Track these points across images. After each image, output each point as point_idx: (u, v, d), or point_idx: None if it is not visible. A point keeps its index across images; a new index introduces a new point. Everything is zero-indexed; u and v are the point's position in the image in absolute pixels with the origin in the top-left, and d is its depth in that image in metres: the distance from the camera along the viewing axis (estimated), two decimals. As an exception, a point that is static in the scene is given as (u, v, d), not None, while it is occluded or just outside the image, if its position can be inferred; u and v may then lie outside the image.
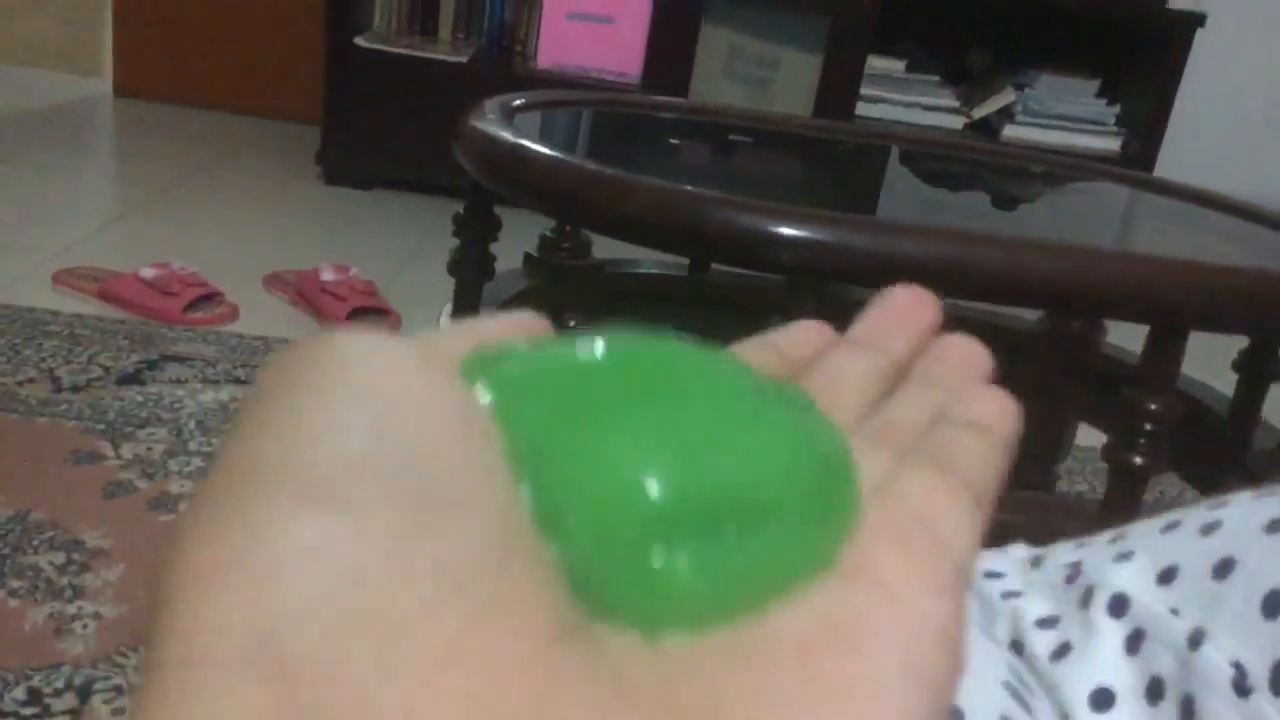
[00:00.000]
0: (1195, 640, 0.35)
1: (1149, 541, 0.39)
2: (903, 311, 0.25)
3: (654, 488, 0.15)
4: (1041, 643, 0.40)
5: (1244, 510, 0.37)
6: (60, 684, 0.92)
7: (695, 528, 0.15)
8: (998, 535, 0.25)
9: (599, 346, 0.18)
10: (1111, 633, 0.38)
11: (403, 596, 0.12)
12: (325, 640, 0.12)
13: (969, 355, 0.24)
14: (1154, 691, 0.37)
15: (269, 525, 0.13)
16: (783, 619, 0.15)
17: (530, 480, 0.15)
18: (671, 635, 0.15)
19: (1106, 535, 0.42)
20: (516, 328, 0.21)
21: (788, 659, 0.14)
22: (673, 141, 1.33)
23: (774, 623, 0.15)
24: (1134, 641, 0.38)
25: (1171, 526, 0.39)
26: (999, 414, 0.21)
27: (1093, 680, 0.38)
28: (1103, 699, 0.37)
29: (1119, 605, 0.39)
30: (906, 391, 0.23)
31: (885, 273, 0.73)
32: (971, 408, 0.21)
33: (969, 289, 0.75)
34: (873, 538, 0.16)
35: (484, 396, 0.17)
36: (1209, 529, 0.37)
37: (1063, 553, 0.44)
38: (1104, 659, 0.38)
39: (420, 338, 0.18)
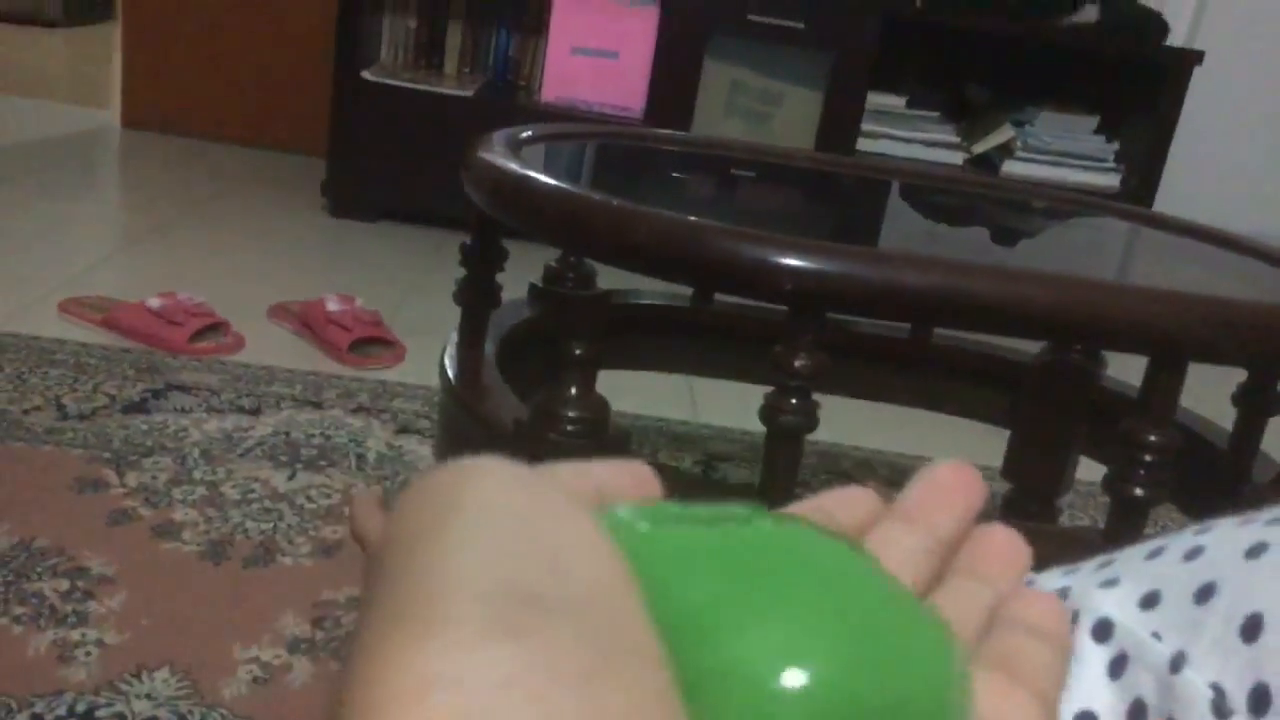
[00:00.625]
0: (1176, 664, 0.36)
1: (1133, 566, 0.40)
2: (949, 490, 0.25)
3: (801, 683, 0.15)
4: None
5: (1227, 535, 0.38)
6: (62, 711, 0.92)
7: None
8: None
9: (726, 520, 0.18)
10: (1095, 657, 0.39)
11: None
12: None
13: (1011, 549, 0.25)
14: (1136, 714, 0.37)
15: (466, 654, 0.13)
16: None
17: (674, 646, 0.15)
18: None
19: (1095, 561, 0.42)
20: (630, 479, 0.21)
21: None
22: (675, 175, 1.35)
23: None
24: (1117, 665, 0.38)
25: (1156, 553, 0.40)
26: (1056, 619, 0.22)
27: (1076, 704, 0.38)
28: None
29: (1103, 630, 0.39)
30: (955, 585, 0.24)
31: (888, 304, 0.74)
32: (1029, 612, 0.22)
33: (969, 320, 0.76)
34: None
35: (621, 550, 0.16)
36: (1192, 554, 0.38)
37: (1050, 579, 0.45)
38: (1088, 683, 0.39)
39: (546, 471, 0.18)
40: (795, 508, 0.25)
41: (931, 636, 0.18)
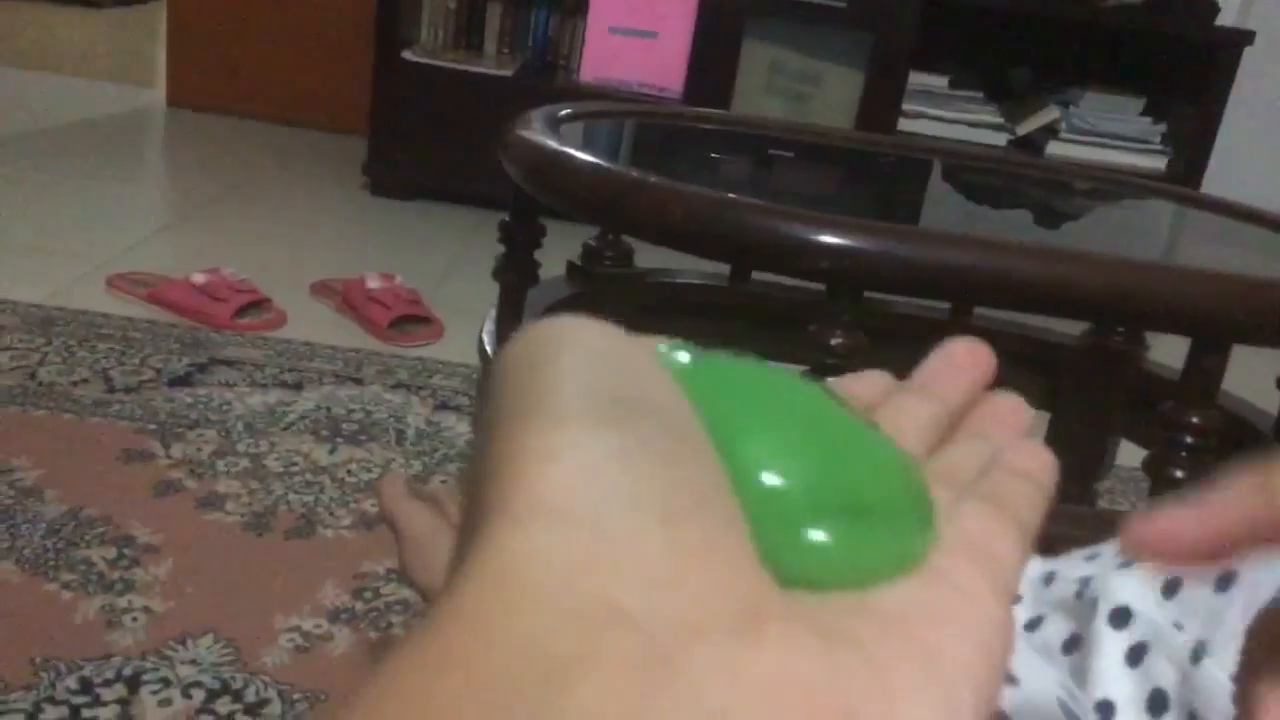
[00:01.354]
0: (1197, 654, 0.36)
1: None
2: (960, 363, 0.28)
3: (807, 479, 0.20)
4: (1067, 665, 0.40)
5: None
6: (110, 675, 0.94)
7: (834, 513, 0.20)
8: (1042, 547, 0.28)
9: (752, 366, 0.23)
10: (1112, 644, 0.39)
11: (677, 497, 0.18)
12: (630, 513, 0.17)
13: (1014, 412, 0.27)
14: (1156, 704, 0.37)
15: (584, 432, 0.18)
16: (888, 594, 0.19)
17: (718, 448, 0.20)
18: (808, 589, 0.19)
19: (1115, 544, 0.42)
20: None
21: (893, 623, 0.19)
22: (714, 155, 1.35)
23: (881, 596, 0.19)
24: (1136, 654, 0.38)
25: None
26: (1042, 466, 0.24)
27: (1096, 692, 0.38)
28: (1105, 710, 0.38)
29: (1121, 617, 0.39)
30: (961, 441, 0.27)
31: (925, 282, 0.73)
32: (1019, 459, 0.24)
33: (1008, 300, 0.75)
34: (947, 550, 0.21)
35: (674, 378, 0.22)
36: None
37: (1071, 567, 0.45)
38: (1105, 671, 0.39)
39: (628, 334, 0.23)
40: (824, 383, 0.28)
41: (892, 458, 0.23)
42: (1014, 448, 0.25)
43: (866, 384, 0.28)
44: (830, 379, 0.28)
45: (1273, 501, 0.26)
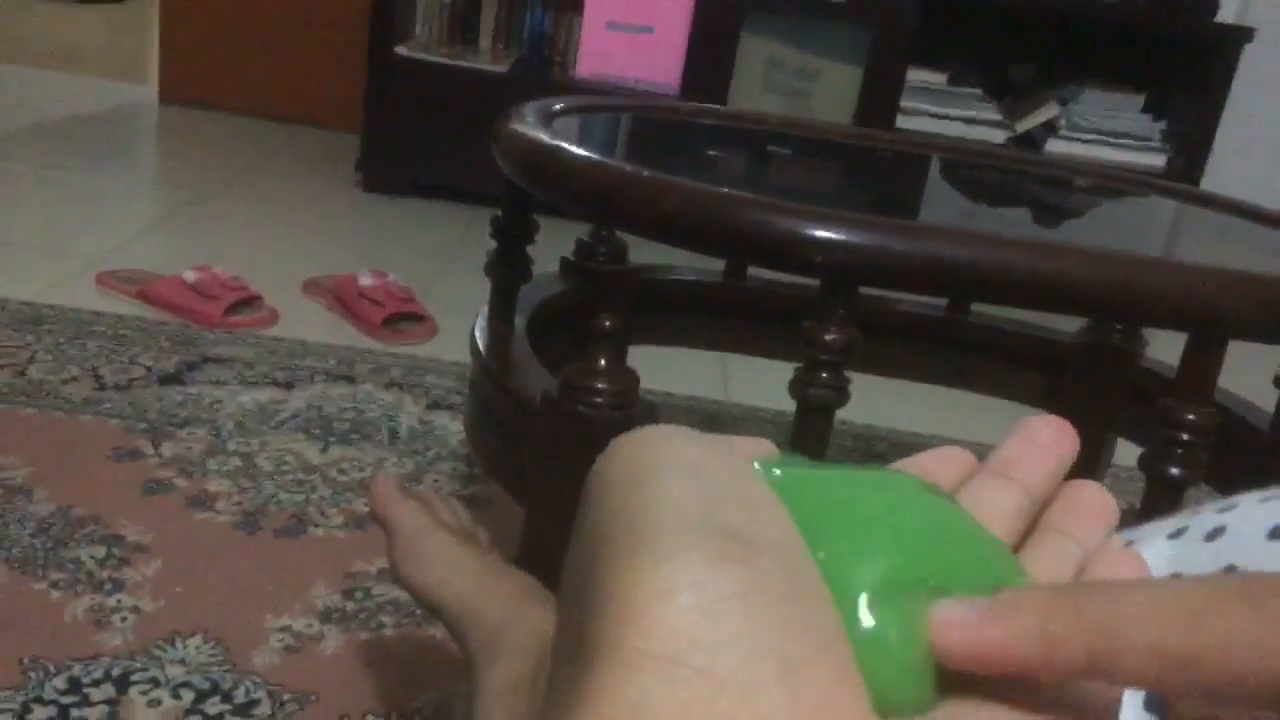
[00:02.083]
0: None
1: (1155, 545, 0.39)
2: (1044, 444, 0.27)
3: (904, 571, 0.20)
4: None
5: (1249, 514, 0.37)
6: (99, 674, 0.93)
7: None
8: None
9: (846, 474, 0.23)
10: None
11: (795, 644, 0.17)
12: (748, 662, 0.17)
13: (1101, 506, 0.26)
14: (1153, 702, 0.36)
15: (701, 570, 0.18)
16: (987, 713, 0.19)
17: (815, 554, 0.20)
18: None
19: (1118, 539, 0.41)
20: (755, 447, 0.25)
21: None
22: (710, 153, 1.34)
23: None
24: None
25: (1179, 532, 0.39)
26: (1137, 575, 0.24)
27: None
28: None
29: None
30: (1047, 540, 0.26)
31: (921, 277, 0.72)
32: (1116, 570, 0.24)
33: (1007, 294, 0.74)
34: None
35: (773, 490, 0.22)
36: (1214, 534, 0.37)
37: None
38: None
39: (715, 437, 0.22)
40: (895, 465, 0.27)
41: (1006, 568, 0.23)
42: (1106, 559, 0.25)
43: (946, 463, 0.27)
44: (909, 460, 0.27)
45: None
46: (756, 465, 0.22)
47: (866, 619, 0.19)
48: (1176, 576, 0.37)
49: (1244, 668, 0.17)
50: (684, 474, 0.20)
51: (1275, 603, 0.17)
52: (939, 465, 0.27)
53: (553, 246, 1.24)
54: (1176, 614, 0.18)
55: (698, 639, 0.17)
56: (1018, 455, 0.26)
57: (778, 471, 0.22)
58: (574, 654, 0.18)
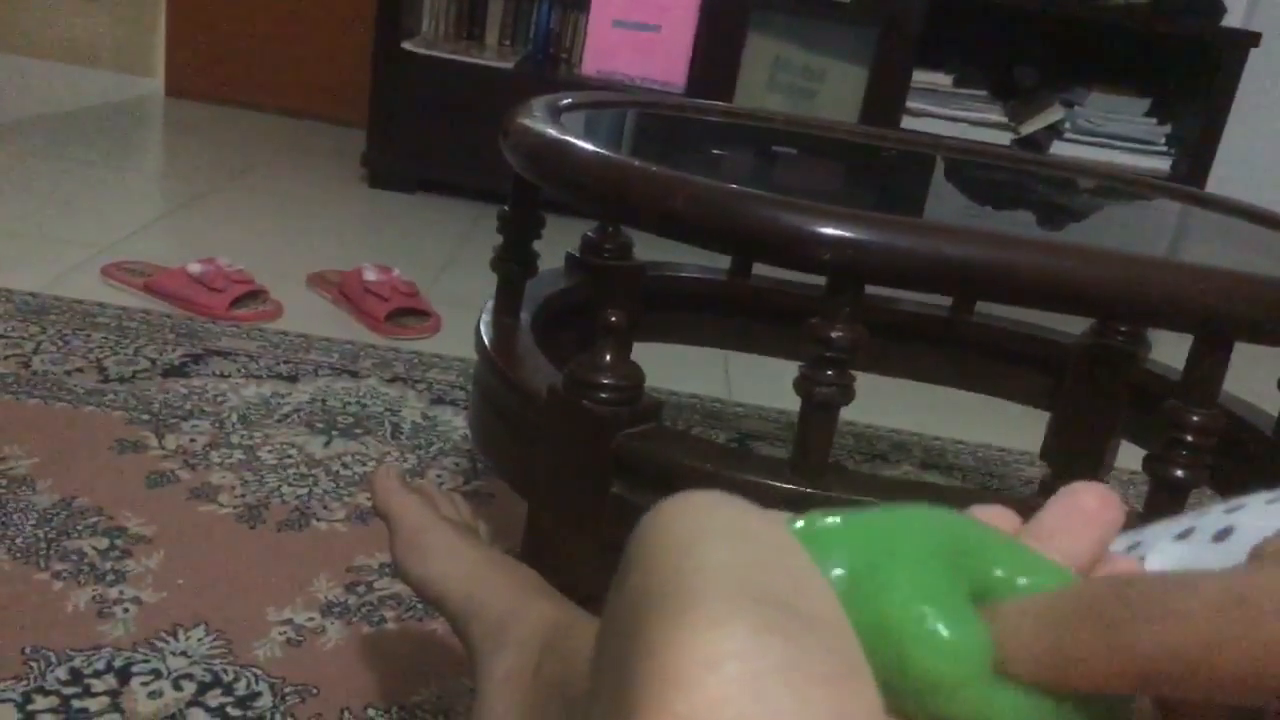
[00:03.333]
0: None
1: (1162, 546, 0.39)
2: (1089, 514, 0.26)
3: (929, 627, 0.20)
4: None
5: (1257, 515, 0.37)
6: (100, 665, 0.93)
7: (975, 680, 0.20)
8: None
9: (886, 519, 0.23)
10: None
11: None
12: None
13: (1099, 514, 0.26)
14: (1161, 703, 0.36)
15: (747, 640, 0.18)
16: None
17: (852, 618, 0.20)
18: None
19: (1123, 541, 0.41)
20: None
21: None
22: (716, 152, 1.34)
23: None
24: None
25: (1186, 533, 0.39)
26: None
27: None
28: None
29: None
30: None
31: (928, 275, 0.72)
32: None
33: (1010, 294, 0.74)
34: None
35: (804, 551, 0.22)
36: (1221, 535, 0.37)
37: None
38: None
39: (761, 509, 0.23)
40: None
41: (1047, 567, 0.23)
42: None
43: (991, 518, 0.26)
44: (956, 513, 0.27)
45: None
46: (800, 523, 0.22)
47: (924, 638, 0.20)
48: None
49: (1095, 667, 0.20)
50: (732, 540, 0.20)
51: (1099, 612, 0.20)
52: (985, 518, 0.26)
53: (558, 243, 1.24)
54: (1048, 636, 0.20)
55: (742, 711, 0.17)
56: (1061, 523, 0.25)
57: (830, 520, 0.22)
58: (612, 712, 0.18)
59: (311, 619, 1.04)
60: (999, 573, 0.22)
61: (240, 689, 0.93)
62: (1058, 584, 0.23)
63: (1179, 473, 0.79)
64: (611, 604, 0.21)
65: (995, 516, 0.26)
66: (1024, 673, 0.20)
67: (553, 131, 0.85)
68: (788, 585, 0.19)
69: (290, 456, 1.32)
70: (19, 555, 1.06)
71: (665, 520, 0.21)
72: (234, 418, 1.39)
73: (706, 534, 0.20)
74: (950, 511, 0.24)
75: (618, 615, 0.20)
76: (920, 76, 2.60)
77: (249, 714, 0.91)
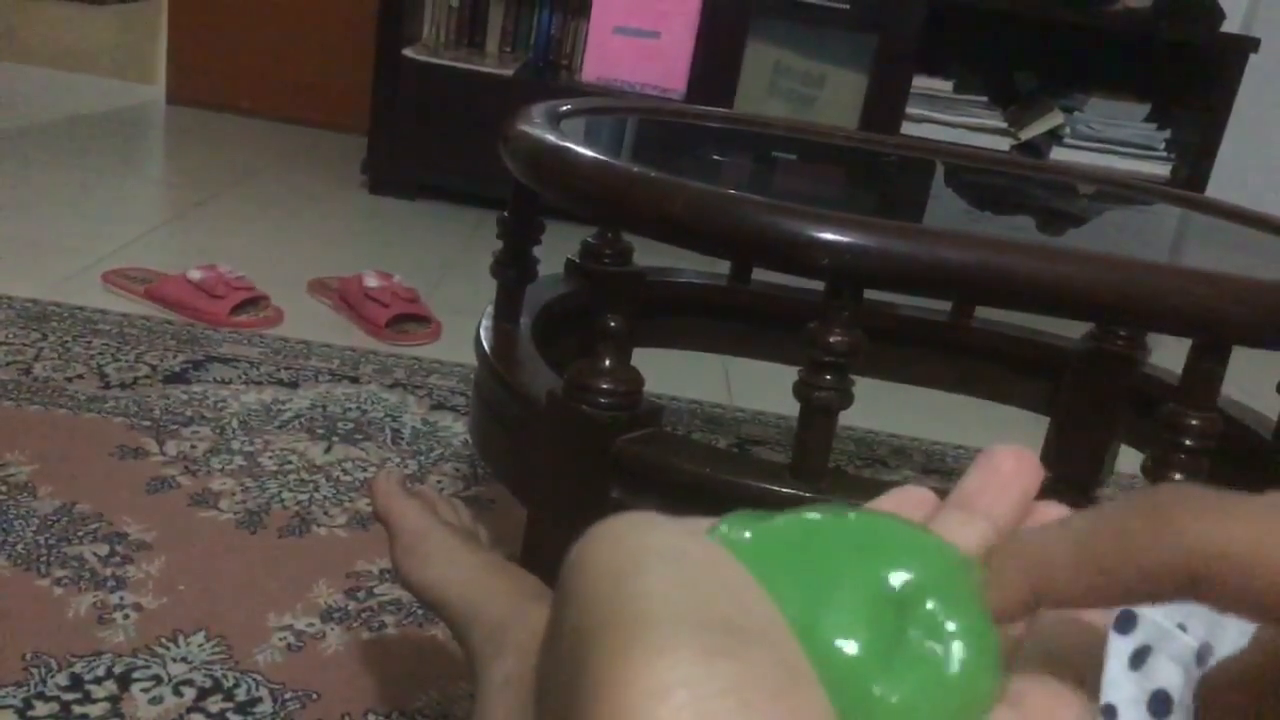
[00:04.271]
0: (1203, 656, 0.35)
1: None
2: (1006, 475, 0.26)
3: (869, 642, 0.21)
4: None
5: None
6: (101, 671, 0.93)
7: (901, 669, 0.21)
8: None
9: (812, 523, 0.23)
10: (1118, 649, 0.38)
11: None
12: None
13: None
14: (1158, 706, 0.36)
15: (694, 667, 0.17)
16: None
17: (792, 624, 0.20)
18: None
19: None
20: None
21: None
22: (716, 158, 1.34)
23: None
24: (1139, 657, 0.38)
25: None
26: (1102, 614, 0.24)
27: (1100, 699, 0.38)
28: (1108, 714, 0.37)
29: (1127, 622, 0.39)
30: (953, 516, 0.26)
31: (927, 280, 0.73)
32: (1043, 518, 0.24)
33: (1009, 298, 0.75)
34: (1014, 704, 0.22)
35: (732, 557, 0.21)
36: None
37: None
38: (1110, 677, 0.38)
39: (685, 521, 0.22)
40: (864, 507, 0.27)
41: (942, 554, 0.23)
42: (1032, 516, 0.25)
43: (907, 502, 0.27)
44: (870, 505, 0.27)
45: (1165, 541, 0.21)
46: (723, 527, 0.22)
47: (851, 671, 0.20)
48: None
49: (1142, 559, 0.20)
50: (667, 564, 0.19)
51: (1152, 502, 0.20)
52: (900, 506, 0.27)
53: (558, 249, 1.24)
54: (1093, 530, 0.21)
55: None
56: (980, 488, 0.26)
57: (747, 534, 0.22)
58: None
59: (312, 624, 1.04)
60: (909, 577, 0.22)
61: (241, 694, 0.93)
62: (962, 570, 0.23)
63: (1177, 477, 0.79)
64: (550, 639, 0.20)
65: (911, 497, 0.27)
66: (1064, 591, 0.21)
67: (552, 138, 0.85)
68: (727, 603, 0.19)
69: (291, 462, 1.32)
70: (20, 561, 1.06)
71: (595, 549, 0.20)
72: (235, 424, 1.39)
73: (639, 559, 0.20)
74: (859, 513, 0.24)
75: (556, 648, 0.20)
76: (920, 82, 2.60)
77: (249, 719, 0.91)
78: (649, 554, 0.20)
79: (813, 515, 0.23)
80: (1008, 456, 0.26)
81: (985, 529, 0.25)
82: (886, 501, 0.27)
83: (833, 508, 0.24)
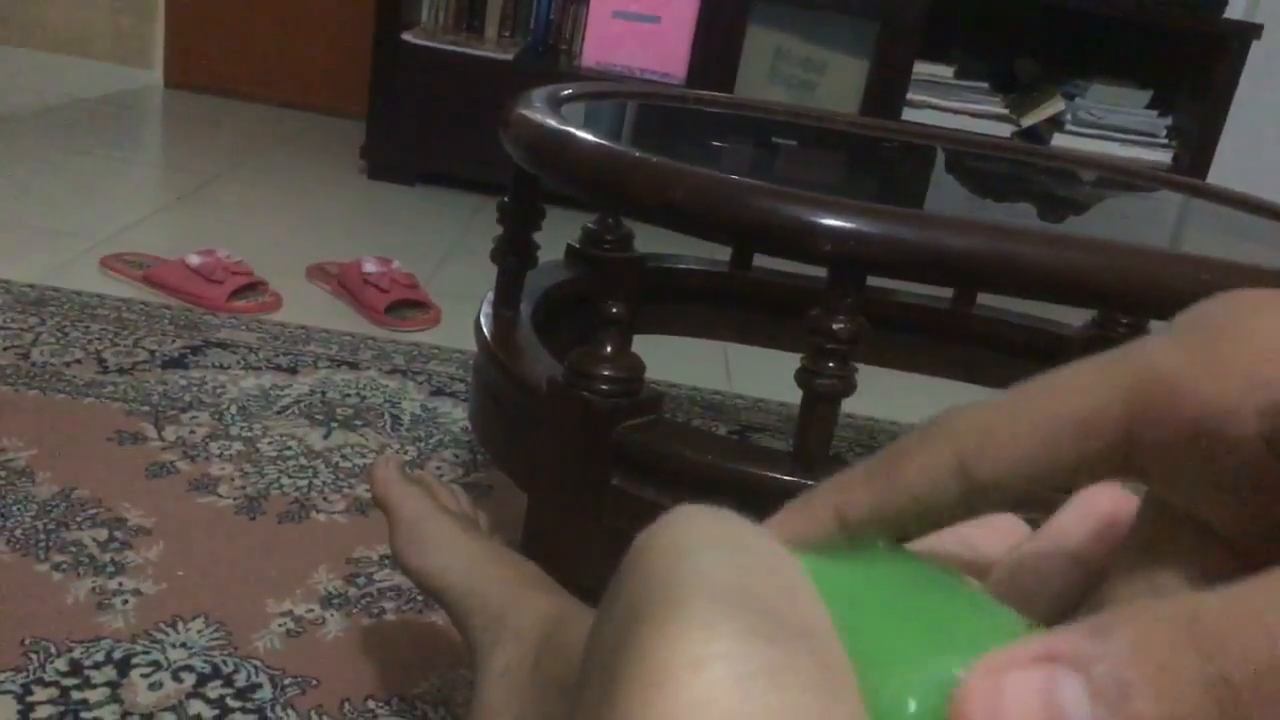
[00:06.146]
0: None
1: None
2: (1103, 518, 0.25)
3: (928, 688, 0.20)
4: None
5: None
6: (100, 657, 0.93)
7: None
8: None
9: (878, 563, 0.23)
10: None
11: None
12: None
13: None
14: None
15: (734, 643, 0.18)
16: None
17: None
18: None
19: None
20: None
21: None
22: (716, 143, 1.33)
23: None
24: None
25: None
26: None
27: None
28: None
29: None
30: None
31: (930, 266, 0.72)
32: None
33: (1012, 285, 0.74)
34: None
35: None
36: None
37: None
38: None
39: (752, 522, 0.23)
40: (941, 535, 0.26)
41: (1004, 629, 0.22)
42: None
43: (995, 534, 0.26)
44: (953, 530, 0.26)
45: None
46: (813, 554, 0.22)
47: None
48: None
49: (916, 456, 0.22)
50: (726, 549, 0.20)
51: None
52: (988, 536, 0.26)
53: (558, 235, 1.24)
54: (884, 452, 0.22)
55: (726, 712, 0.17)
56: (1076, 526, 0.25)
57: (828, 560, 0.22)
58: (596, 712, 0.18)
59: (311, 610, 1.03)
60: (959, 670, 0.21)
61: (240, 680, 0.93)
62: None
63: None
64: (603, 610, 0.21)
65: (999, 526, 0.26)
66: (858, 504, 0.22)
67: (553, 123, 0.85)
68: (779, 595, 0.19)
69: (290, 448, 1.32)
70: (18, 547, 1.06)
71: (661, 532, 0.21)
72: (233, 409, 1.39)
73: (701, 544, 0.20)
74: (950, 579, 0.23)
75: (610, 617, 0.20)
76: (921, 68, 2.59)
77: (249, 705, 0.91)
78: (712, 540, 0.20)
79: (899, 565, 0.23)
80: (1104, 495, 0.25)
81: (1076, 574, 0.24)
82: (970, 529, 0.26)
83: (924, 565, 0.23)
